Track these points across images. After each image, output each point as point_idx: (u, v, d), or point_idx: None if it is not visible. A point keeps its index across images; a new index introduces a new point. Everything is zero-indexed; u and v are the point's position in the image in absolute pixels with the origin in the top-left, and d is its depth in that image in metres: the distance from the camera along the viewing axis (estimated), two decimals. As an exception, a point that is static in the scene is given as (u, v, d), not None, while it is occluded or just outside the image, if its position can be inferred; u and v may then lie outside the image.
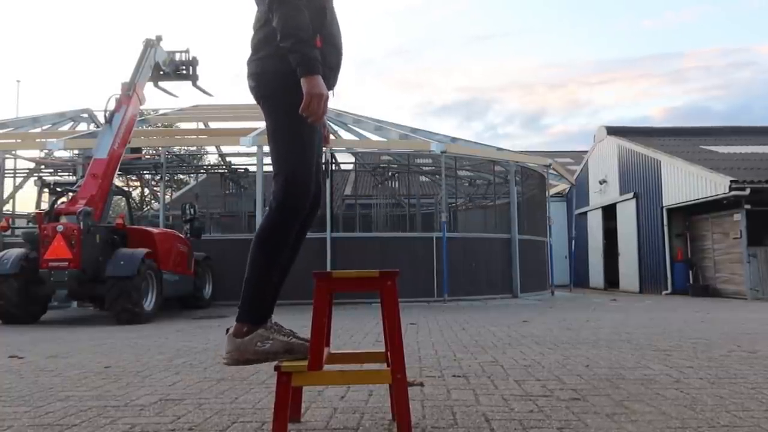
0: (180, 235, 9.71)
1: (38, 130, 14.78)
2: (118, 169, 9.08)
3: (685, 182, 14.40)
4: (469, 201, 17.90)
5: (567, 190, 19.94)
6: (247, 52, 2.25)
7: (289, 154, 2.15)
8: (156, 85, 10.96)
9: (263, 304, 2.14)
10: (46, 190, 10.54)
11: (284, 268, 2.20)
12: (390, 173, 18.01)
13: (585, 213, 19.95)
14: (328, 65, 2.18)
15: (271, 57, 2.13)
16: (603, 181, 18.60)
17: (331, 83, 2.23)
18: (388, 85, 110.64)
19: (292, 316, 5.85)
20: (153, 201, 18.94)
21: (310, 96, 2.00)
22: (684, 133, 18.63)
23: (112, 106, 9.08)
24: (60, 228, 7.47)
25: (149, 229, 9.28)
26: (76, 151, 13.27)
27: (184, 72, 11.15)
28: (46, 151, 14.12)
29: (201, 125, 16.28)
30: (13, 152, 13.81)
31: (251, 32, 2.23)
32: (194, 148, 20.52)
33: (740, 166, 13.87)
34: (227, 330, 2.13)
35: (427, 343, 4.84)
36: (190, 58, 11.18)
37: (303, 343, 2.08)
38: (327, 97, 2.05)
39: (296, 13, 2.03)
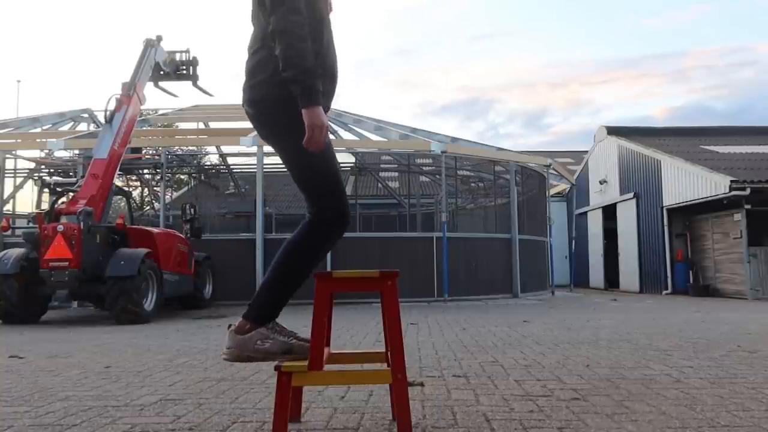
0: (180, 234, 9.71)
1: (38, 130, 14.78)
2: (118, 169, 9.08)
3: (685, 182, 14.40)
4: (470, 200, 17.91)
5: (567, 190, 19.93)
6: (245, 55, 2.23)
7: (320, 176, 2.16)
8: (156, 85, 10.94)
9: (274, 307, 2.15)
10: (46, 190, 10.54)
11: (307, 276, 2.20)
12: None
13: (585, 213, 19.95)
14: (323, 91, 2.17)
15: (268, 83, 2.10)
16: (603, 181, 18.60)
17: (324, 108, 2.23)
18: (387, 85, 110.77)
19: (292, 316, 5.85)
20: (154, 201, 18.97)
21: (311, 128, 1.99)
22: (684, 133, 18.62)
23: (112, 106, 9.07)
24: (60, 228, 7.47)
25: (149, 229, 9.28)
26: (76, 151, 13.27)
27: (185, 72, 11.14)
28: (47, 151, 14.12)
29: (201, 125, 16.28)
30: (13, 152, 13.82)
31: (246, 56, 2.20)
32: (194, 148, 20.54)
33: (740, 166, 13.86)
34: (229, 326, 2.14)
35: (427, 343, 4.84)
36: (191, 58, 11.16)
37: (302, 344, 2.09)
38: (327, 127, 2.05)
39: (299, 42, 2.00)
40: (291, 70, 1.99)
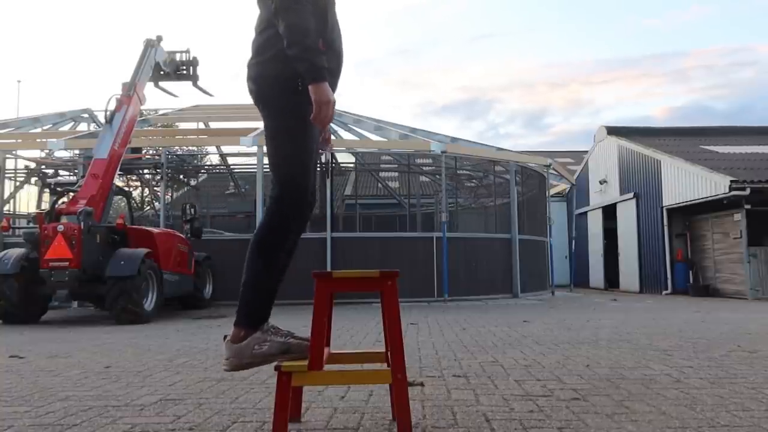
0: (180, 234, 9.70)
1: (39, 130, 14.77)
2: (118, 169, 9.08)
3: (685, 182, 14.40)
4: (472, 199, 17.91)
5: (567, 190, 19.93)
6: (248, 53, 2.24)
7: (288, 159, 2.16)
8: (156, 85, 10.95)
9: (260, 307, 2.15)
10: (46, 190, 10.53)
11: (281, 270, 2.20)
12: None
13: (585, 213, 19.95)
14: (329, 71, 2.18)
15: (272, 60, 2.12)
16: (603, 181, 18.60)
17: (331, 88, 2.24)
18: (388, 85, 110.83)
19: (292, 316, 5.86)
20: (154, 201, 18.98)
21: (318, 104, 2.00)
22: (684, 133, 18.61)
23: (112, 106, 9.07)
24: (60, 228, 7.47)
25: (149, 229, 9.28)
26: (76, 151, 13.27)
27: (185, 72, 11.14)
28: (47, 151, 14.12)
29: (201, 125, 16.28)
30: (14, 152, 13.81)
31: (253, 34, 2.22)
32: (194, 148, 20.53)
33: (740, 166, 13.86)
34: (225, 337, 2.14)
35: (427, 343, 4.84)
36: (191, 58, 11.17)
37: (300, 343, 2.09)
38: (334, 104, 2.05)
39: (303, 20, 2.02)
40: (295, 47, 2.00)
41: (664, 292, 15.14)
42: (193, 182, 17.28)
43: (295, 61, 2.01)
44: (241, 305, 2.13)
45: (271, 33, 2.12)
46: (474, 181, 17.21)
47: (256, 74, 2.19)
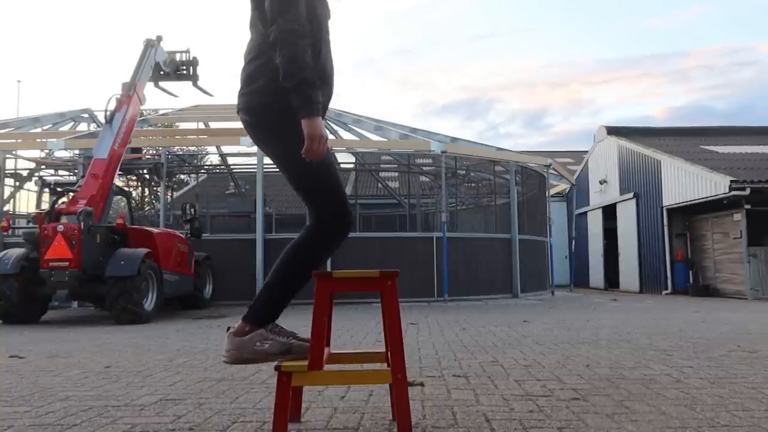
0: (180, 234, 9.70)
1: (39, 130, 14.78)
2: (118, 169, 9.07)
3: (685, 182, 14.40)
4: (473, 197, 17.89)
5: (567, 190, 19.93)
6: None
7: (319, 184, 2.16)
8: (156, 85, 10.95)
9: (274, 308, 2.16)
10: (46, 190, 10.53)
11: (307, 278, 2.21)
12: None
13: (585, 213, 19.95)
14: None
15: (260, 92, 2.12)
16: (603, 181, 18.60)
17: None
18: (388, 85, 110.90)
19: (292, 316, 5.86)
20: (155, 201, 18.95)
21: (311, 138, 1.99)
22: (684, 133, 18.61)
23: (112, 106, 9.08)
24: (60, 228, 7.47)
25: (149, 229, 9.28)
26: (76, 151, 13.27)
27: (185, 72, 11.15)
28: (47, 151, 14.12)
29: (201, 125, 16.29)
30: (14, 152, 13.81)
31: (243, 63, 2.21)
32: (194, 148, 20.53)
33: (740, 166, 13.85)
34: (228, 328, 2.14)
35: (427, 343, 4.84)
36: (191, 58, 11.18)
37: (302, 345, 2.09)
38: (327, 138, 2.05)
39: (300, 53, 2.01)
40: (291, 80, 2.00)
41: (664, 292, 15.14)
42: (186, 180, 17.20)
43: (291, 93, 2.01)
44: (256, 302, 2.14)
45: (259, 63, 2.12)
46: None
47: (245, 106, 2.17)
